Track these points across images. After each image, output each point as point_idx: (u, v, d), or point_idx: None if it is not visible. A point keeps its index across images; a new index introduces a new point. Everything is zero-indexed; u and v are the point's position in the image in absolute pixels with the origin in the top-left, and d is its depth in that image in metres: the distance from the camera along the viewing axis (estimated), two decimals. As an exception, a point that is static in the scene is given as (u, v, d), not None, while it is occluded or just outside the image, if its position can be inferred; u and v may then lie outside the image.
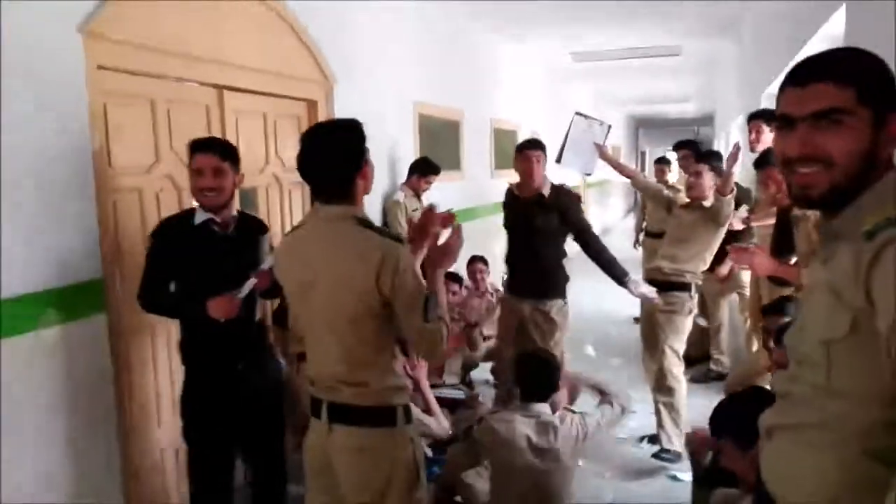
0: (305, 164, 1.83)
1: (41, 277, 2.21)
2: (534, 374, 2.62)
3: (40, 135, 2.20)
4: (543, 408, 2.54)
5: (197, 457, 2.49)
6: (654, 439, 3.90)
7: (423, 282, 1.83)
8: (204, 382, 2.47)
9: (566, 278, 3.62)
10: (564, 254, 3.63)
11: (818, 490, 1.10)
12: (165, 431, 2.83)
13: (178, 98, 2.90)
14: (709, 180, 3.57)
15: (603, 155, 4.18)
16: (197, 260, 2.41)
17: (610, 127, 4.40)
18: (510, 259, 3.71)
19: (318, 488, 1.96)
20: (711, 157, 4.60)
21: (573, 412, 2.62)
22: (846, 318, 1.04)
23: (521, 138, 8.45)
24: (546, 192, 3.48)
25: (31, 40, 2.17)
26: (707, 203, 3.59)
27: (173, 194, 2.87)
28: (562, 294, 3.55)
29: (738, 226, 4.18)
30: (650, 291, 3.50)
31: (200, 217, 2.43)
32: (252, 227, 2.58)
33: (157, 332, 2.79)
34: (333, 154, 1.82)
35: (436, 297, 1.81)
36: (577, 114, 4.22)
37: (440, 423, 2.94)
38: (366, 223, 1.85)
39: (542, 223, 3.46)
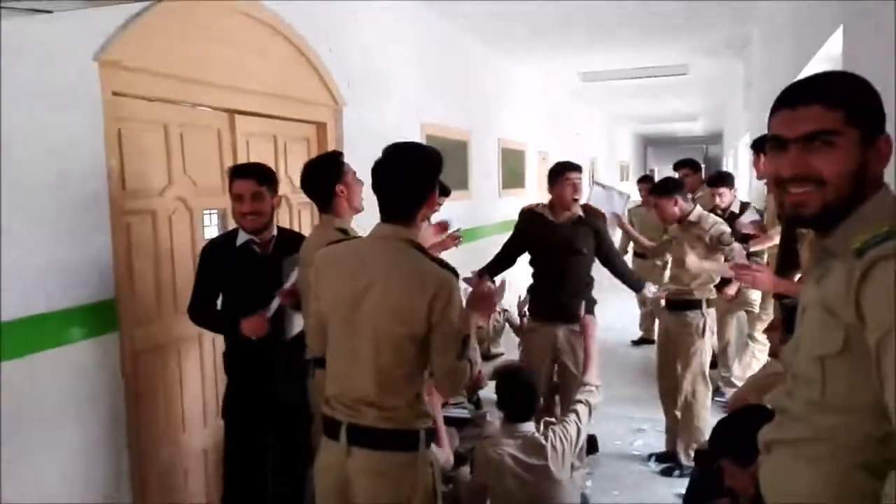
0: (381, 179, 1.85)
1: (56, 297, 2.27)
2: (516, 395, 2.68)
3: (57, 158, 2.27)
4: (528, 427, 2.61)
5: (233, 457, 2.68)
6: (662, 457, 3.89)
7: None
8: (241, 392, 2.67)
9: (594, 300, 3.66)
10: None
11: (813, 502, 1.12)
12: (178, 446, 2.87)
13: (190, 122, 2.97)
14: (671, 207, 3.63)
15: (622, 226, 4.23)
16: (238, 279, 2.60)
17: (629, 197, 4.47)
18: (541, 284, 3.62)
19: None
20: (721, 180, 4.68)
21: (553, 423, 2.70)
22: (839, 335, 1.06)
23: (528, 158, 8.58)
24: (581, 213, 3.53)
25: (50, 68, 2.24)
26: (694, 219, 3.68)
27: (186, 216, 2.93)
28: (593, 312, 3.59)
29: (741, 259, 4.17)
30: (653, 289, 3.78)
31: (242, 238, 2.63)
32: (290, 245, 2.67)
33: (168, 350, 2.84)
34: (410, 176, 1.84)
35: (470, 339, 1.84)
36: (596, 183, 4.28)
37: (447, 456, 2.95)
38: (420, 248, 1.86)
39: (583, 244, 3.50)
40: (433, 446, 2.88)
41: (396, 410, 1.81)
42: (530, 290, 3.74)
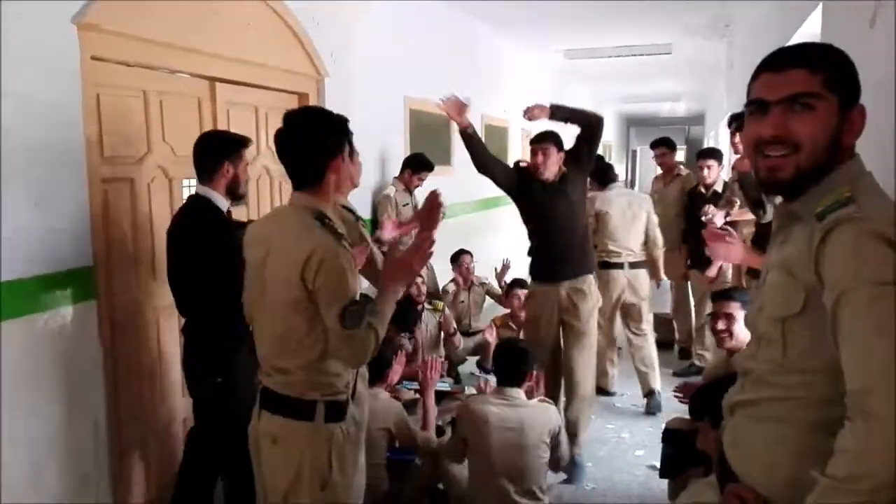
0: (279, 147, 1.85)
1: (33, 263, 2.25)
2: (510, 361, 2.79)
3: (34, 124, 2.24)
4: (516, 392, 2.72)
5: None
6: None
7: (353, 287, 1.79)
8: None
9: (593, 255, 3.67)
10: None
11: (775, 461, 1.16)
12: (157, 415, 2.88)
13: (170, 89, 2.94)
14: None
15: None
16: None
17: None
18: (539, 244, 3.58)
19: (257, 474, 1.94)
20: (710, 154, 4.76)
21: (551, 403, 2.82)
22: (800, 296, 1.11)
23: (512, 135, 8.57)
24: (565, 170, 3.50)
25: (27, 31, 2.20)
26: None
27: (164, 184, 2.92)
28: (592, 268, 3.61)
29: (720, 222, 4.25)
30: None
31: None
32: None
33: (147, 318, 2.84)
34: (305, 141, 1.82)
35: (366, 307, 1.79)
36: None
37: (429, 438, 3.00)
38: (321, 216, 1.82)
39: (575, 193, 3.49)
40: (417, 428, 2.95)
41: (291, 375, 1.81)
42: (529, 252, 3.68)
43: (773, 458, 1.17)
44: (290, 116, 1.88)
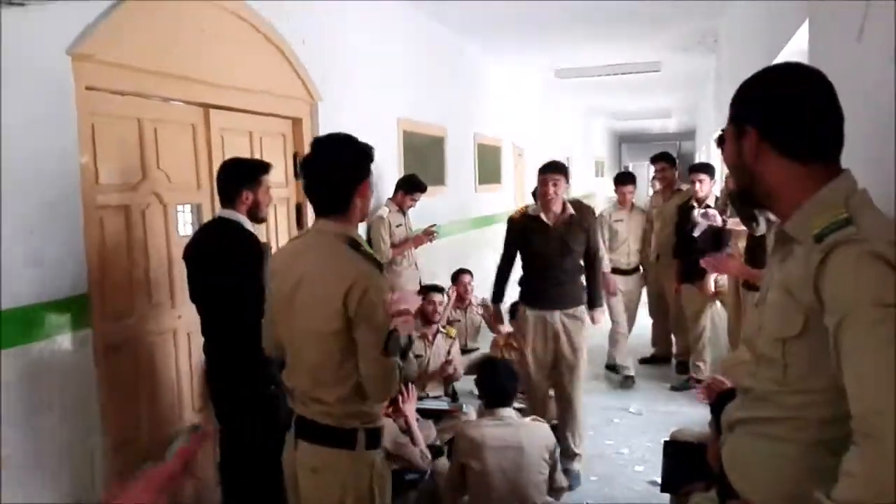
0: (307, 173, 1.86)
1: (29, 292, 2.24)
2: (496, 382, 2.82)
3: (29, 153, 2.24)
4: (508, 411, 2.76)
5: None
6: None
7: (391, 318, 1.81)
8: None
9: (584, 286, 3.78)
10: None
11: (775, 479, 1.17)
12: (154, 438, 2.85)
13: (164, 117, 2.95)
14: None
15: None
16: None
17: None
18: (535, 277, 3.69)
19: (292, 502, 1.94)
20: (702, 168, 4.85)
21: (543, 422, 2.87)
22: (800, 317, 1.11)
23: (505, 153, 8.63)
24: (572, 211, 3.62)
25: (23, 62, 2.22)
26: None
27: (159, 210, 2.92)
28: (583, 299, 3.74)
29: (718, 220, 4.29)
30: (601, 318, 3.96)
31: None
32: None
33: (142, 345, 2.83)
34: (334, 167, 1.83)
35: (399, 338, 1.80)
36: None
37: (423, 455, 3.01)
38: (354, 244, 1.85)
39: (577, 243, 3.62)
40: (409, 445, 2.95)
41: (331, 406, 1.80)
42: (521, 281, 3.80)
43: (772, 475, 1.17)
44: (319, 143, 1.90)
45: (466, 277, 5.16)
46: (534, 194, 4.04)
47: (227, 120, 3.32)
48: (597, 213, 4.40)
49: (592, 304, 3.77)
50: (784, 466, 1.15)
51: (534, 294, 3.70)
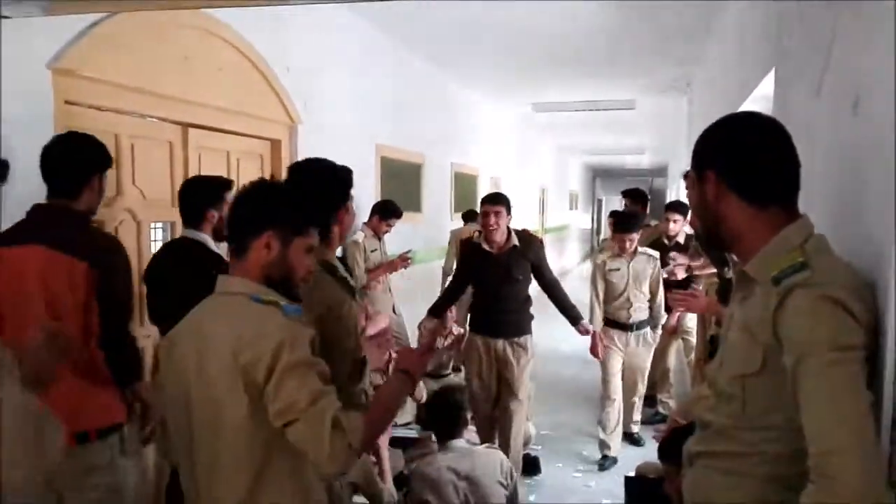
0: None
1: None
2: (445, 415, 2.87)
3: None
4: (459, 442, 2.81)
5: None
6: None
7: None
8: None
9: (531, 315, 3.84)
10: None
11: (733, 513, 1.20)
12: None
13: (142, 134, 2.95)
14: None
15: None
16: None
17: None
18: (481, 304, 3.80)
19: None
20: (677, 208, 4.90)
21: (492, 447, 2.99)
22: (759, 355, 1.15)
23: (481, 183, 8.72)
24: (516, 242, 3.69)
25: (3, 74, 2.21)
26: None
27: (133, 227, 2.91)
28: (530, 330, 3.82)
29: (681, 275, 4.39)
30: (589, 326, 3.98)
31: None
32: None
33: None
34: (313, 191, 1.72)
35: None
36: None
37: (391, 495, 2.98)
38: (331, 268, 1.86)
39: (520, 272, 3.70)
40: (378, 479, 2.92)
41: None
42: (471, 307, 3.90)
43: None
44: (297, 168, 1.89)
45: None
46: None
47: (205, 139, 3.33)
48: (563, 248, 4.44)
49: (575, 322, 3.87)
50: (742, 499, 1.18)
51: (480, 321, 3.81)
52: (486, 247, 3.68)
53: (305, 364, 1.36)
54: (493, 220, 3.60)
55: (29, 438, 1.37)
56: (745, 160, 1.23)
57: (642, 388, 4.62)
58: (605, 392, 4.43)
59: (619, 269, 4.30)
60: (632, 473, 2.79)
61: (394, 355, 3.94)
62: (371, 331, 2.13)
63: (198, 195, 2.58)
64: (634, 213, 4.48)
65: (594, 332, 4.00)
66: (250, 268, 1.47)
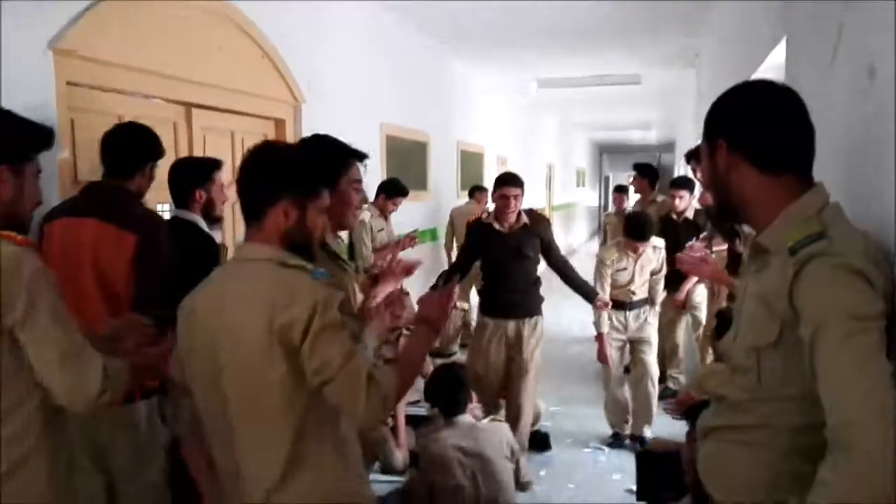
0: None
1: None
2: (449, 391, 2.86)
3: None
4: (465, 418, 2.81)
5: None
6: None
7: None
8: None
9: (542, 297, 3.84)
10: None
11: (748, 485, 1.19)
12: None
13: (146, 114, 2.91)
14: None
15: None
16: None
17: None
18: (492, 285, 3.78)
19: None
20: (683, 183, 4.87)
21: (501, 421, 2.99)
22: (775, 327, 1.13)
23: (487, 161, 8.67)
24: (526, 220, 3.68)
25: (3, 55, 2.19)
26: None
27: (139, 209, 2.89)
28: (541, 311, 3.81)
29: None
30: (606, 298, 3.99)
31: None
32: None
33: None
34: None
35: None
36: None
37: (405, 460, 3.02)
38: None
39: (530, 250, 3.69)
40: (394, 446, 2.94)
41: None
42: (481, 290, 3.89)
43: (747, 481, 1.19)
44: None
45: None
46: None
47: (208, 119, 3.31)
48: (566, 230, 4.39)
49: (590, 299, 3.85)
50: (759, 473, 1.17)
51: (491, 301, 3.79)
52: (496, 226, 3.66)
53: (338, 325, 1.40)
54: (512, 204, 3.58)
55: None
56: (757, 126, 1.21)
57: (653, 390, 4.29)
58: (607, 391, 4.37)
59: (625, 269, 4.17)
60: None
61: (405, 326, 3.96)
62: (380, 296, 2.12)
63: (185, 175, 2.63)
64: (647, 219, 4.12)
65: (601, 335, 4.08)
66: (269, 234, 1.47)
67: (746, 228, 3.04)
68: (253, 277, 1.44)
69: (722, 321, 2.50)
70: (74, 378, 1.38)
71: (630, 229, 4.11)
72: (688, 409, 2.17)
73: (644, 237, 4.07)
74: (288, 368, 1.36)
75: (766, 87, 1.26)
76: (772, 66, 3.06)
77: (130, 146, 2.32)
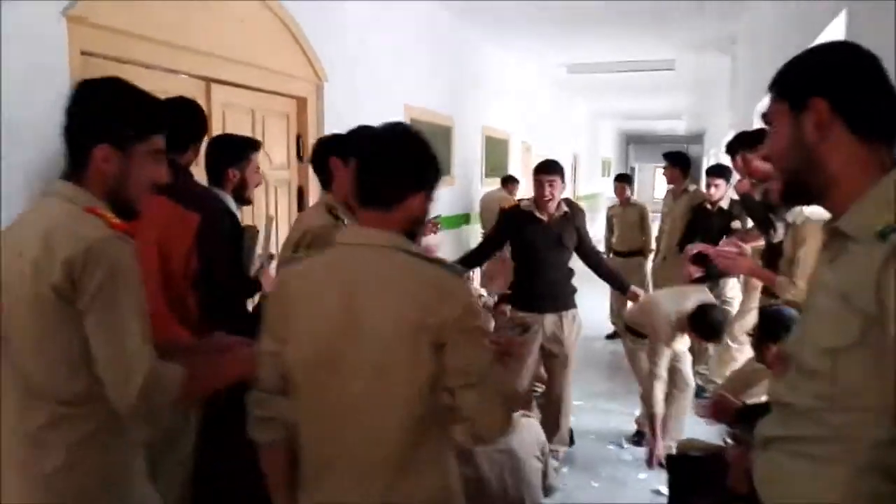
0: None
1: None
2: None
3: (18, 119, 2.12)
4: None
5: None
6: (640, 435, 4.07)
7: None
8: None
9: (575, 288, 3.73)
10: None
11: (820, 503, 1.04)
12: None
13: (163, 89, 2.78)
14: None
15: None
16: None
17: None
18: (528, 277, 3.62)
19: None
20: (719, 172, 4.68)
21: (529, 416, 2.88)
22: (855, 325, 0.98)
23: (512, 147, 8.50)
24: (566, 209, 3.57)
25: (14, 23, 2.09)
26: None
27: (155, 187, 2.80)
28: (575, 303, 3.70)
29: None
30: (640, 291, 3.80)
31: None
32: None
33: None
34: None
35: None
36: None
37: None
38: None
39: (569, 241, 3.57)
40: None
41: None
42: (513, 285, 3.76)
43: (815, 499, 1.04)
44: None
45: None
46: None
47: (228, 95, 3.20)
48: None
49: (624, 290, 3.76)
50: (830, 491, 1.02)
51: (527, 294, 3.64)
52: (538, 214, 3.51)
53: (483, 331, 1.37)
54: (548, 190, 3.44)
55: None
56: (864, 87, 1.06)
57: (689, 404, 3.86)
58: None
59: None
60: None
61: None
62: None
63: (221, 153, 2.55)
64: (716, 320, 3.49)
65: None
66: (397, 221, 1.38)
67: (789, 217, 2.89)
68: (388, 267, 1.34)
69: (767, 319, 2.34)
70: (116, 378, 1.31)
71: (697, 329, 3.53)
72: (738, 413, 2.01)
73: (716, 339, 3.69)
74: (434, 368, 1.29)
75: (857, 48, 1.10)
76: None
77: (184, 120, 2.30)
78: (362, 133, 1.57)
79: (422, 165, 1.41)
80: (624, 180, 6.52)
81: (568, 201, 3.65)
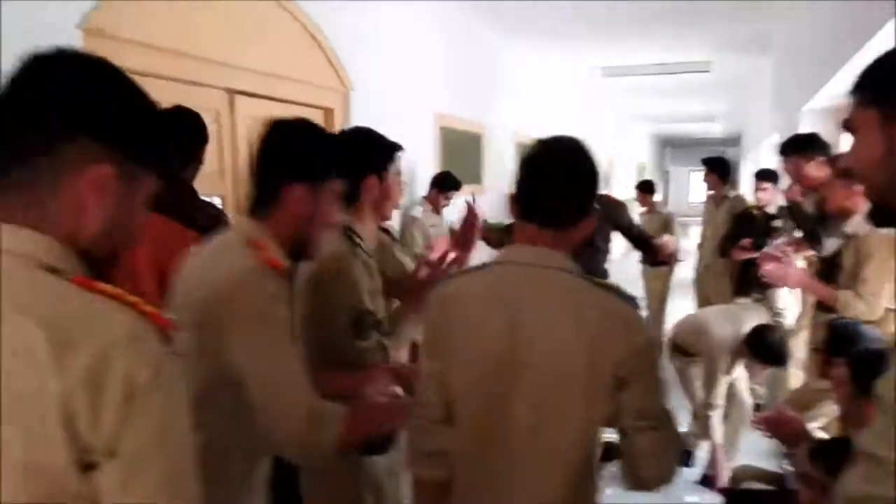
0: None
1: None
2: None
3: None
4: None
5: None
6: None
7: None
8: None
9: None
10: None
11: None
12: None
13: (185, 101, 2.74)
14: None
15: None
16: None
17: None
18: None
19: None
20: (766, 175, 4.49)
21: None
22: None
23: (544, 154, 8.32)
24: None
25: (30, 36, 2.03)
26: None
27: (178, 202, 2.73)
28: None
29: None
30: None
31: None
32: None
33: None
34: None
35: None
36: None
37: None
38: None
39: (601, 241, 3.64)
40: None
41: None
42: None
43: None
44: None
45: None
46: None
47: (253, 107, 3.12)
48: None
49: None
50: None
51: None
52: None
53: (659, 372, 1.30)
54: None
55: None
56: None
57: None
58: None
59: None
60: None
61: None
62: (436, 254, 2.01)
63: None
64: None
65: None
66: (569, 242, 1.30)
67: (848, 228, 2.68)
68: (559, 291, 1.25)
69: (836, 333, 2.14)
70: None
71: (757, 354, 3.41)
72: (815, 451, 1.82)
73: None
74: (611, 407, 1.22)
75: None
76: (878, 51, 2.69)
77: (184, 132, 2.24)
78: (533, 149, 1.42)
79: (596, 187, 1.36)
80: (645, 189, 6.32)
81: (603, 197, 3.49)
